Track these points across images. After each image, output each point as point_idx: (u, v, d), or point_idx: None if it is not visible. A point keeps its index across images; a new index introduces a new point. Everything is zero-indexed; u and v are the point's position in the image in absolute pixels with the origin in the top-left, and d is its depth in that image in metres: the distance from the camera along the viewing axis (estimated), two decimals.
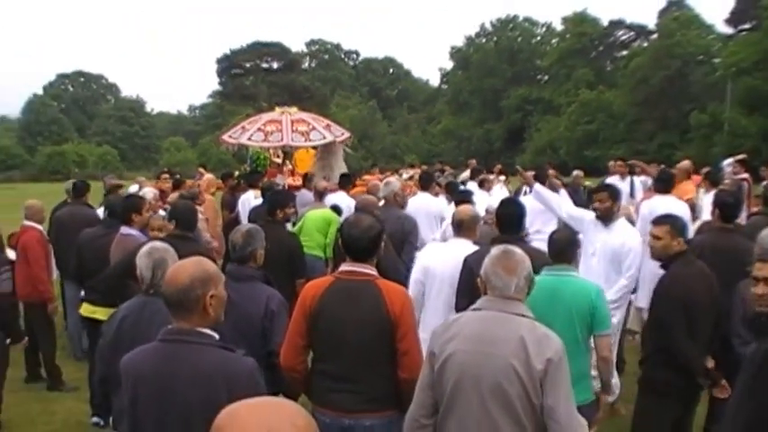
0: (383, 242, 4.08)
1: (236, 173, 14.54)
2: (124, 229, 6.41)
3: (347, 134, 15.58)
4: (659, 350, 4.81)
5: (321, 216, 9.15)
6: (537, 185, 7.37)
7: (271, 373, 4.05)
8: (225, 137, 15.67)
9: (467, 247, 5.46)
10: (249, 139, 14.87)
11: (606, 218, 6.29)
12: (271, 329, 4.32)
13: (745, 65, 45.24)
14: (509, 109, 69.74)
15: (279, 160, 15.40)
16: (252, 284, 4.49)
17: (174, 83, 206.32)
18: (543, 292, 4.17)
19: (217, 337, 3.00)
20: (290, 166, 15.24)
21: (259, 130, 14.87)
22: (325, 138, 14.69)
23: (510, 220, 5.30)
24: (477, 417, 3.22)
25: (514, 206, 5.48)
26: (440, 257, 5.60)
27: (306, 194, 10.94)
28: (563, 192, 9.69)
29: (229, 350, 2.97)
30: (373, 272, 3.96)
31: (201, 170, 16.07)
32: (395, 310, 3.79)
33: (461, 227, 5.66)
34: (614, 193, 6.41)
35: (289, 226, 7.56)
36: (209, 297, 2.93)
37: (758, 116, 44.21)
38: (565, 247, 4.75)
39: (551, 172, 11.54)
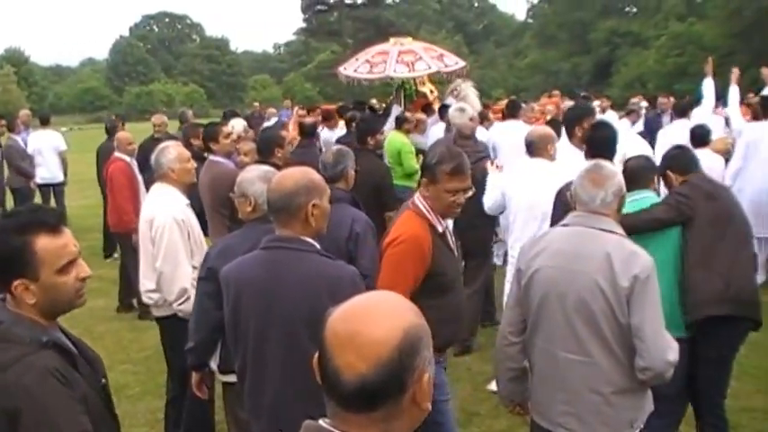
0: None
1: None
2: (213, 157, 6.47)
3: (462, 64, 14.84)
4: None
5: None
6: None
7: None
8: (340, 69, 15.54)
9: (544, 166, 5.46)
10: (356, 71, 14.70)
11: None
12: (356, 252, 4.13)
13: None
14: (597, 42, 67.23)
15: (426, 89, 14.78)
16: (338, 206, 4.27)
17: (258, 22, 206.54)
18: None
19: (318, 246, 2.97)
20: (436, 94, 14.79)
21: (366, 61, 14.65)
22: (430, 68, 14.16)
23: (603, 142, 4.94)
24: (562, 334, 3.18)
25: (607, 129, 5.19)
26: (517, 181, 5.63)
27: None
28: None
29: (330, 258, 2.97)
30: None
31: (288, 102, 16.51)
32: None
33: (533, 147, 5.59)
34: None
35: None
36: (311, 206, 2.90)
37: None
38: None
39: None
